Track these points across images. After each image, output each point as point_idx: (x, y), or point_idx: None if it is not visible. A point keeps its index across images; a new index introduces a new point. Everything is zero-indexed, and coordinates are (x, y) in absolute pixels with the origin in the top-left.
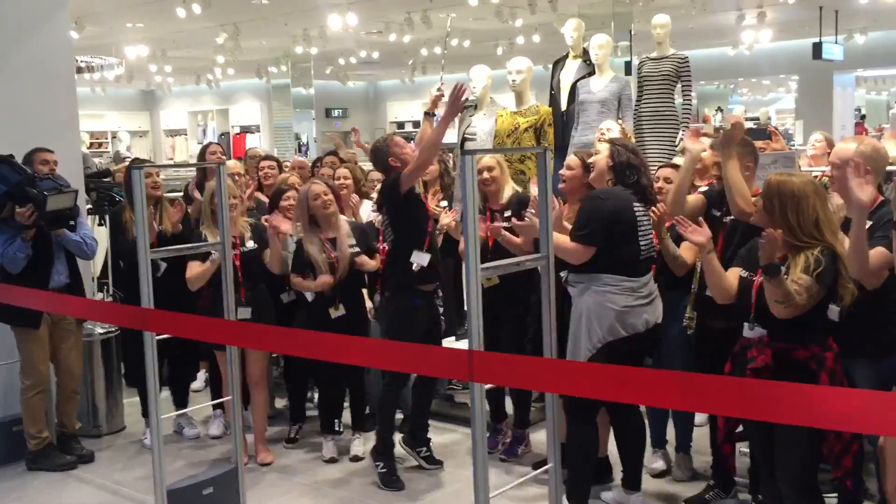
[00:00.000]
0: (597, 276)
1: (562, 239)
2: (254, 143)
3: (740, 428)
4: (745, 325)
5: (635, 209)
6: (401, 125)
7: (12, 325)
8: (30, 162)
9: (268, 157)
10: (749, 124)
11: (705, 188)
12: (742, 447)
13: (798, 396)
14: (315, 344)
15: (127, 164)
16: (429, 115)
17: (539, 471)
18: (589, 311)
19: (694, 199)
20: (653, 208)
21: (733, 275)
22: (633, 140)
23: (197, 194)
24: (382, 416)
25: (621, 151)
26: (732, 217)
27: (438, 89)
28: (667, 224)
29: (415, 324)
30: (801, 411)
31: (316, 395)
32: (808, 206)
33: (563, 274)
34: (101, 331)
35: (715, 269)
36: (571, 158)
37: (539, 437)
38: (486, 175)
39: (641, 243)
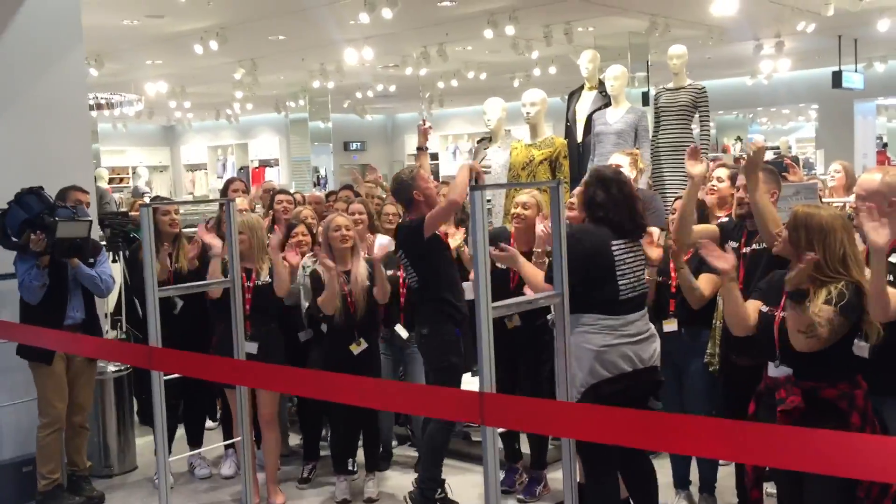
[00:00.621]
0: (576, 317)
1: (538, 280)
2: (272, 176)
3: (767, 468)
4: (770, 364)
5: (614, 247)
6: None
7: (28, 360)
8: (64, 198)
9: (283, 192)
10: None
11: (725, 219)
12: (769, 487)
13: (829, 444)
14: (322, 384)
15: (142, 200)
16: (421, 149)
17: None
18: (562, 357)
19: (703, 228)
20: (669, 241)
21: (753, 307)
22: (648, 169)
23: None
24: (433, 454)
25: (591, 186)
26: (753, 248)
27: (423, 122)
28: (686, 257)
29: (461, 353)
30: (832, 460)
31: (330, 434)
32: (836, 240)
33: (549, 316)
34: (114, 369)
35: (735, 297)
36: (577, 193)
37: (559, 475)
38: (519, 210)
39: (621, 283)
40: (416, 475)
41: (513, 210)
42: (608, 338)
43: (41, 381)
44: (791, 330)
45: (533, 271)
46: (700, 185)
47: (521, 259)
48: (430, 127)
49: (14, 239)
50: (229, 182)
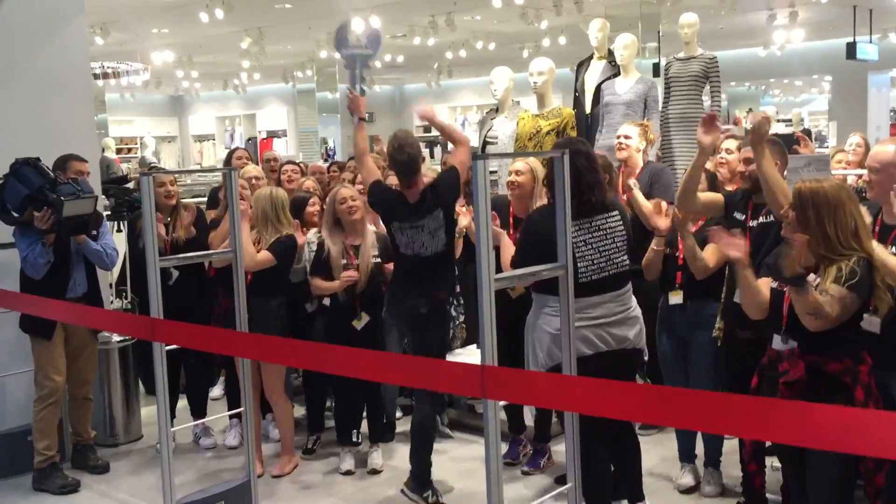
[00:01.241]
0: (541, 298)
1: (507, 259)
2: (280, 147)
3: (770, 443)
4: (775, 336)
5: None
6: (427, 129)
7: (31, 335)
8: (63, 169)
9: (290, 162)
10: (780, 126)
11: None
12: (773, 462)
13: (831, 419)
14: (323, 357)
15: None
16: (362, 119)
17: (559, 489)
18: (532, 334)
19: (709, 197)
20: (675, 210)
21: (763, 285)
22: (658, 141)
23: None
24: (423, 441)
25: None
26: (760, 222)
27: (351, 92)
28: (694, 228)
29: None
30: (834, 435)
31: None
32: (847, 214)
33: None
34: (119, 339)
35: (751, 284)
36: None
37: (562, 448)
38: (513, 178)
39: (580, 265)
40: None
41: (507, 178)
42: None
43: (38, 354)
44: (799, 312)
45: (508, 251)
46: (709, 154)
47: (506, 239)
48: (356, 94)
49: (15, 214)
50: (232, 152)
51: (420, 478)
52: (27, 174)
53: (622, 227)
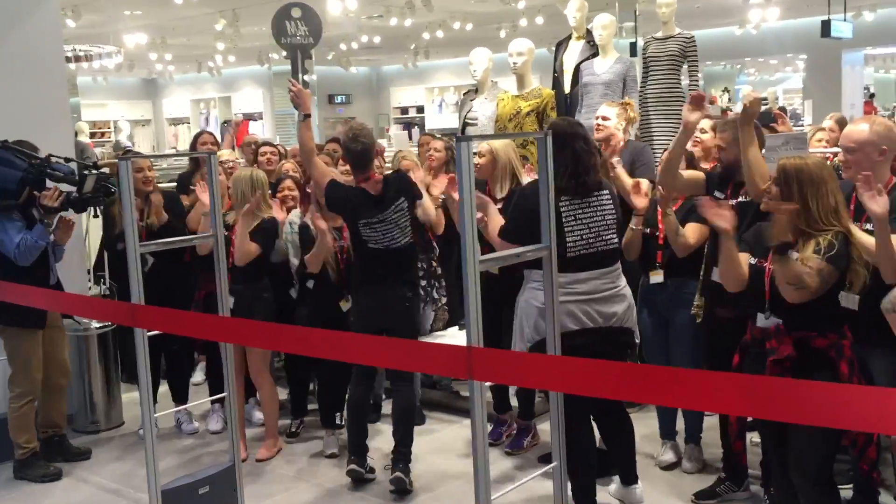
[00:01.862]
0: (528, 273)
1: (495, 230)
2: (256, 130)
3: (750, 418)
4: (759, 314)
5: (562, 204)
6: (405, 110)
7: (20, 327)
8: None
9: (267, 143)
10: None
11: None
12: (753, 437)
13: (816, 394)
14: (307, 340)
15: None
16: (307, 116)
17: (544, 468)
18: (520, 309)
19: (691, 174)
20: (659, 187)
21: (743, 261)
22: (637, 115)
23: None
24: (408, 427)
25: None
26: (739, 200)
27: (294, 85)
28: (675, 206)
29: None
30: (819, 411)
31: (317, 388)
32: (828, 191)
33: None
34: (98, 325)
35: (732, 256)
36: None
37: (547, 427)
38: (476, 160)
39: (569, 240)
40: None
41: None
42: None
43: (22, 349)
44: (779, 282)
45: (497, 220)
46: (692, 133)
47: (493, 208)
48: (299, 88)
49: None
50: (197, 136)
51: (406, 460)
52: (8, 157)
53: (612, 206)
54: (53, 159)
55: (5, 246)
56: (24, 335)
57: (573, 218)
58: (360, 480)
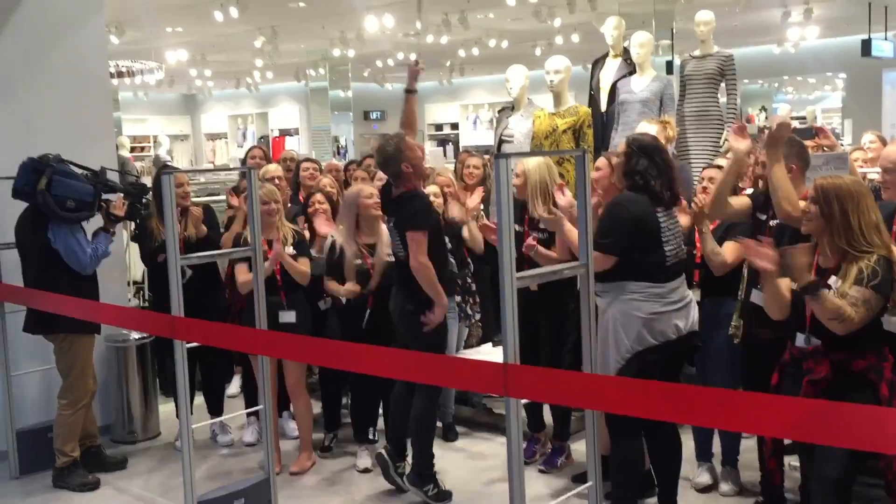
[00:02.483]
0: (622, 284)
1: (573, 241)
2: (293, 145)
3: (788, 441)
4: (798, 335)
5: (658, 214)
6: (439, 127)
7: (80, 333)
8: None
9: (308, 160)
10: (795, 123)
11: (750, 190)
12: (793, 461)
13: (853, 417)
14: (346, 355)
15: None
16: (410, 91)
17: (580, 488)
18: (615, 321)
19: (739, 201)
20: (694, 200)
21: (785, 286)
22: (676, 133)
23: (234, 200)
24: (423, 433)
25: (633, 155)
26: (779, 221)
27: (416, 63)
28: (713, 225)
29: (447, 333)
30: (856, 433)
31: (350, 402)
32: (868, 206)
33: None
34: (137, 336)
35: (777, 292)
36: (599, 160)
37: (581, 447)
38: (514, 181)
39: (666, 249)
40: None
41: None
42: (656, 305)
43: (84, 355)
44: (822, 319)
45: (573, 235)
46: (742, 161)
47: (568, 224)
48: (422, 67)
49: (71, 212)
50: (248, 152)
51: (420, 471)
52: (66, 169)
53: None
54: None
55: (78, 257)
56: (82, 341)
57: (667, 228)
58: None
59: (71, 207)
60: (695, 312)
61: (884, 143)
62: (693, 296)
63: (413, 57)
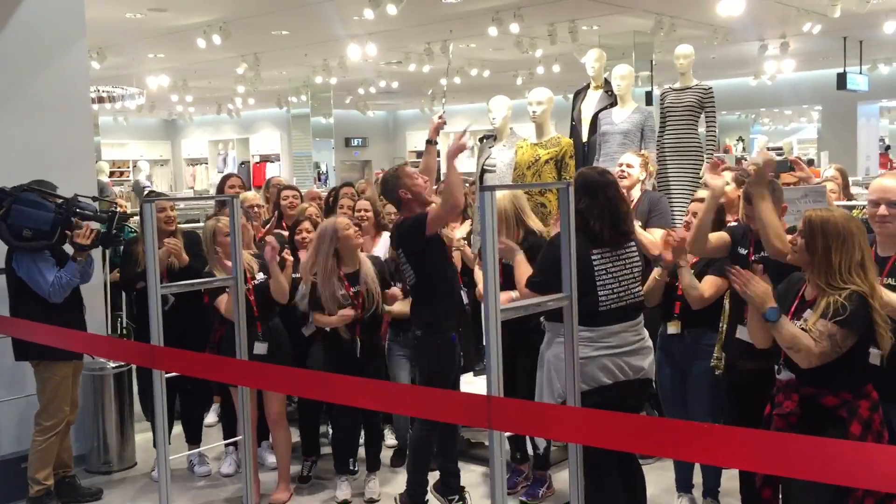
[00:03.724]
0: (556, 326)
1: (522, 280)
2: (273, 171)
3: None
4: (776, 366)
5: (594, 256)
6: (420, 154)
7: (55, 360)
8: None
9: (289, 187)
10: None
11: (734, 224)
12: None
13: (823, 451)
14: (331, 386)
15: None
16: (431, 142)
17: None
18: (548, 364)
19: (717, 237)
20: (671, 232)
21: None
22: (656, 169)
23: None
24: (416, 461)
25: (576, 192)
26: (762, 255)
27: (440, 117)
28: (693, 260)
29: (455, 359)
30: (825, 467)
31: (330, 430)
32: (854, 245)
33: (542, 318)
34: (114, 365)
35: (765, 325)
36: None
37: (563, 476)
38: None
39: (601, 293)
40: (432, 482)
41: None
42: (586, 349)
43: (59, 381)
44: (783, 347)
45: (524, 269)
46: (719, 198)
47: (520, 255)
48: (444, 122)
49: (27, 241)
50: (226, 178)
51: (414, 497)
52: (28, 198)
53: (638, 258)
54: (80, 199)
55: (40, 285)
56: (58, 367)
57: (604, 271)
58: None
59: (27, 237)
60: (648, 360)
61: (842, 174)
62: (648, 341)
63: (438, 112)
